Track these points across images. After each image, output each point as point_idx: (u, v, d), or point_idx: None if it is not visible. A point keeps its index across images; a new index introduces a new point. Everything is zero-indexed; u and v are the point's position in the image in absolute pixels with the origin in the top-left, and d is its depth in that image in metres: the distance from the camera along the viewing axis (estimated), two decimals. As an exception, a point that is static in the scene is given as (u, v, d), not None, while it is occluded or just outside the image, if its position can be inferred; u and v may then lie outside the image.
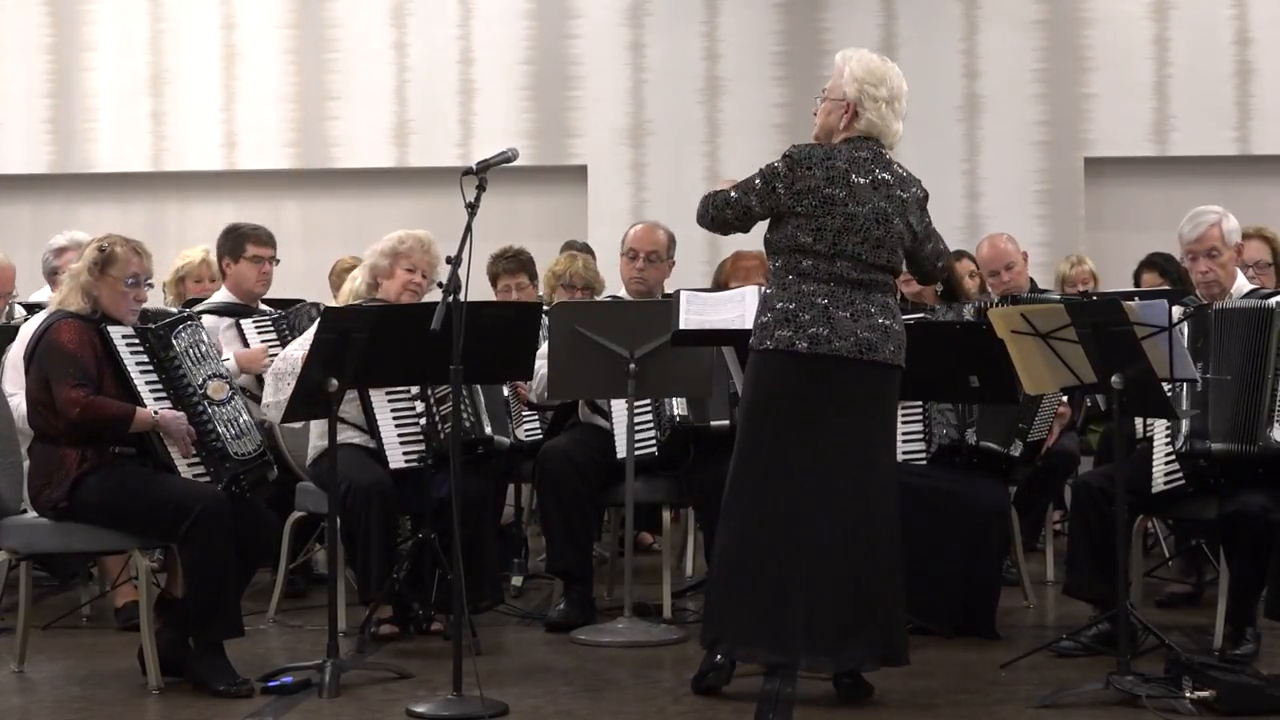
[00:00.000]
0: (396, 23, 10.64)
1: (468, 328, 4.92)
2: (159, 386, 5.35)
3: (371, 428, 6.01)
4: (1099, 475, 5.78)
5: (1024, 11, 10.39)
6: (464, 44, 10.60)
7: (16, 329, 6.12)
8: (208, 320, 6.37)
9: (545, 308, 6.48)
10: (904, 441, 5.94)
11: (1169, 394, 5.24)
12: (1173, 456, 5.58)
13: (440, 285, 4.96)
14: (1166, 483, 5.59)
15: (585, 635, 5.98)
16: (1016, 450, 6.26)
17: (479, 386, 6.18)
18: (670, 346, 5.90)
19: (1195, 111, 10.27)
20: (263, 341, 6.83)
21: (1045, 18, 10.39)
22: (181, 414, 5.31)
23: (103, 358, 5.29)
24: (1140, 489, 5.57)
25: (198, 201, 10.64)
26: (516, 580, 7.00)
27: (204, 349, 5.48)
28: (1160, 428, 5.64)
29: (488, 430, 6.21)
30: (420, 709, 4.87)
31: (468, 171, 5.04)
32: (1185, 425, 5.54)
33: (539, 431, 6.96)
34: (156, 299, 7.58)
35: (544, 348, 6.25)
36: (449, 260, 4.92)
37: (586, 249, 8.56)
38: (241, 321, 6.85)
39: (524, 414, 6.87)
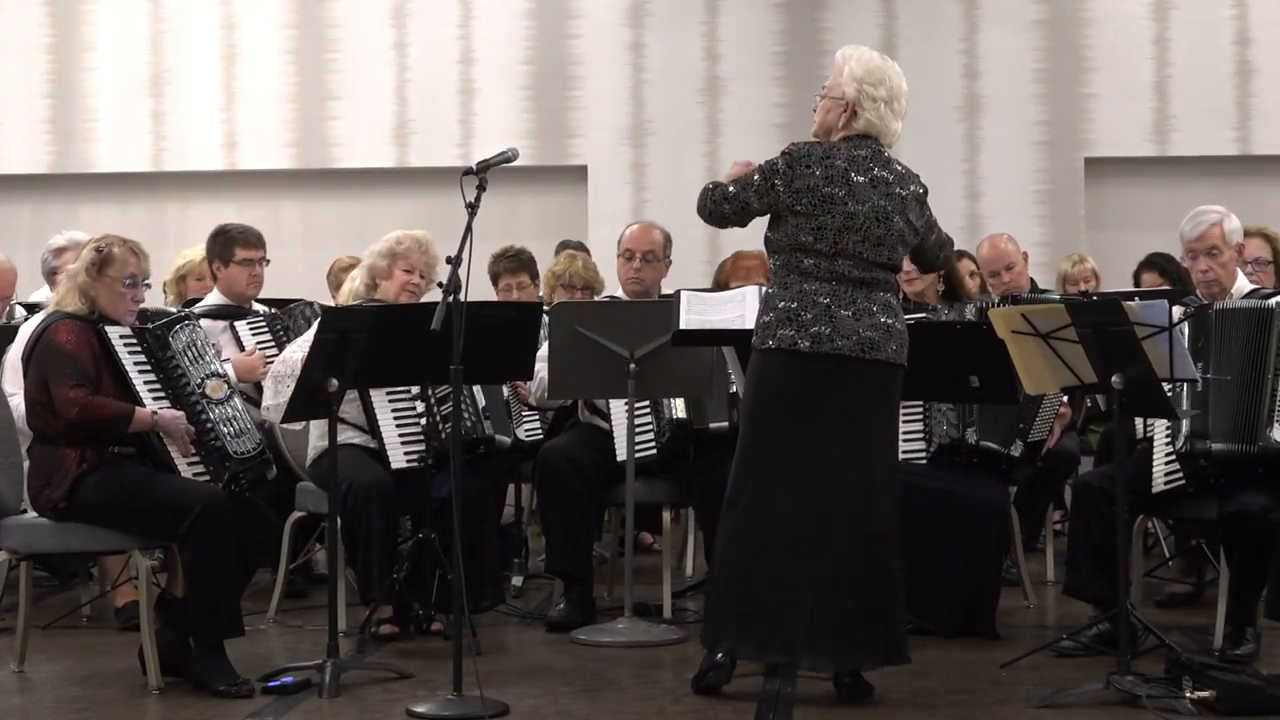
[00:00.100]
0: (396, 23, 10.64)
1: (468, 328, 4.92)
2: (157, 386, 5.36)
3: (372, 428, 6.01)
4: (1099, 475, 5.78)
5: (1024, 11, 10.39)
6: (464, 44, 10.60)
7: (16, 329, 6.12)
8: (202, 324, 6.35)
9: (545, 308, 6.48)
10: (904, 441, 5.93)
11: (1169, 394, 5.24)
12: (1173, 456, 5.58)
13: (440, 285, 4.96)
14: (1167, 483, 5.59)
15: (585, 635, 5.98)
16: (1017, 450, 6.26)
17: (478, 386, 6.18)
18: (670, 346, 5.90)
19: (1195, 111, 10.27)
20: (258, 343, 6.82)
21: (1045, 18, 10.39)
22: (180, 413, 5.31)
23: (101, 358, 5.29)
24: (1140, 489, 5.57)
25: (198, 201, 10.64)
26: (516, 580, 7.00)
27: (202, 348, 5.49)
28: (1160, 428, 5.64)
29: (488, 430, 6.21)
30: (420, 709, 4.87)
31: (468, 171, 5.04)
32: (1185, 425, 5.54)
33: (539, 431, 6.96)
34: (157, 298, 7.60)
35: (544, 349, 6.25)
36: (449, 260, 4.92)
37: (581, 247, 8.56)
38: (236, 323, 6.85)
39: (524, 414, 6.86)
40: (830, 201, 4.94)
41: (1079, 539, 5.72)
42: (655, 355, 6.04)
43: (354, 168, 10.68)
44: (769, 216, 5.08)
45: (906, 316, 5.22)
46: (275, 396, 5.85)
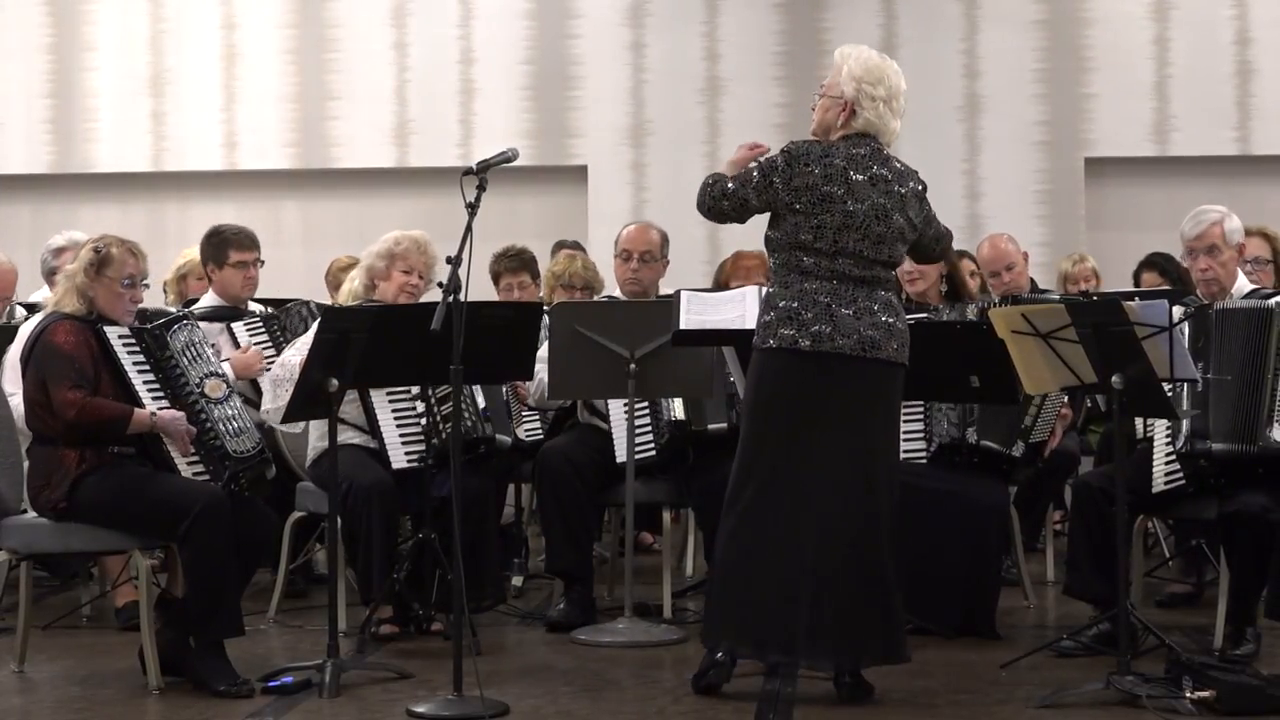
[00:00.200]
0: (397, 23, 10.64)
1: (468, 328, 4.92)
2: (156, 386, 5.35)
3: (373, 428, 6.01)
4: (1099, 475, 5.78)
5: (1024, 11, 10.39)
6: (464, 44, 10.60)
7: (16, 329, 6.12)
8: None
9: (545, 308, 6.48)
10: (904, 440, 5.92)
11: (1169, 394, 5.24)
12: (1173, 456, 5.57)
13: (440, 285, 4.96)
14: (1167, 483, 5.59)
15: (585, 635, 5.98)
16: (1018, 451, 6.26)
17: (478, 386, 6.18)
18: (671, 346, 5.89)
19: (1196, 111, 10.27)
20: (255, 344, 6.81)
21: (1045, 18, 10.40)
22: (180, 413, 5.31)
23: (100, 358, 5.29)
24: (1140, 489, 5.57)
25: (198, 201, 10.63)
26: (516, 580, 7.00)
27: (200, 348, 5.49)
28: (1160, 428, 5.64)
29: (488, 430, 6.21)
30: (420, 709, 4.87)
31: (468, 171, 5.04)
32: (1185, 425, 5.54)
33: (539, 431, 6.95)
34: (158, 298, 7.60)
35: (543, 349, 6.24)
36: (449, 260, 4.92)
37: (577, 246, 8.56)
38: (232, 325, 6.84)
39: (524, 414, 6.86)
40: (829, 200, 4.94)
41: (1079, 539, 5.71)
42: (655, 355, 6.03)
43: (354, 168, 10.68)
44: (769, 215, 5.08)
45: (908, 316, 5.23)
46: (274, 400, 5.84)
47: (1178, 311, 5.42)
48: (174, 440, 5.29)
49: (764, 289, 5.37)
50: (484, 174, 5.04)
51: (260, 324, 6.89)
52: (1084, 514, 5.69)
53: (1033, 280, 7.94)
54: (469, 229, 4.93)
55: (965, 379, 5.88)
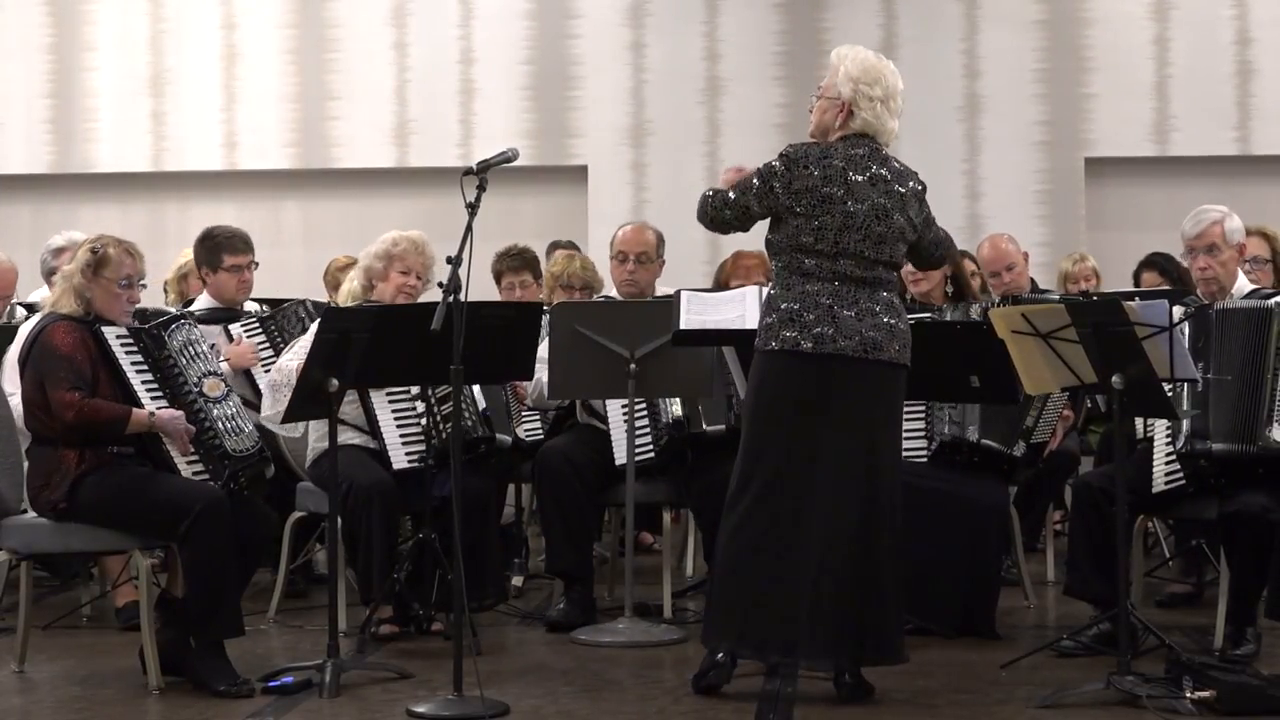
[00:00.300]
0: (397, 23, 10.64)
1: (468, 328, 4.92)
2: (155, 386, 5.36)
3: (373, 429, 6.01)
4: (1099, 475, 5.78)
5: (1024, 11, 10.39)
6: (464, 44, 10.60)
7: (16, 329, 6.12)
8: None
9: (545, 308, 6.48)
10: (905, 439, 5.92)
11: (1169, 394, 5.24)
12: (1173, 456, 5.57)
13: (440, 285, 4.96)
14: (1167, 483, 5.59)
15: (585, 635, 5.98)
16: (1019, 451, 6.26)
17: (478, 386, 6.18)
18: (671, 347, 5.89)
19: (1196, 111, 10.27)
20: (253, 344, 6.81)
21: (1045, 18, 10.40)
22: (179, 413, 5.31)
23: (98, 359, 5.29)
24: (1141, 489, 5.57)
25: (198, 202, 10.63)
26: (516, 580, 7.00)
27: (198, 347, 5.49)
28: (1161, 428, 5.64)
29: (488, 430, 6.21)
30: (421, 709, 4.87)
31: (468, 171, 5.04)
32: (1186, 425, 5.54)
33: (539, 431, 6.95)
34: (158, 298, 7.60)
35: (542, 349, 6.24)
36: (449, 260, 4.92)
37: (572, 246, 8.55)
38: (230, 326, 6.83)
39: (524, 414, 6.86)
40: (829, 201, 4.94)
41: (1079, 539, 5.71)
42: (655, 355, 6.03)
43: (354, 168, 10.68)
44: (769, 219, 5.08)
45: (910, 316, 5.23)
46: (273, 405, 5.83)
47: (1178, 311, 5.42)
48: (173, 439, 5.29)
49: (764, 289, 5.36)
50: (484, 174, 5.04)
51: (257, 324, 6.89)
52: (1084, 514, 5.69)
53: (1033, 280, 7.93)
54: (469, 229, 4.93)
55: (965, 379, 5.88)
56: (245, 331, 6.83)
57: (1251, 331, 5.54)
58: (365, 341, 5.30)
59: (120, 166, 10.76)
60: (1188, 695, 4.76)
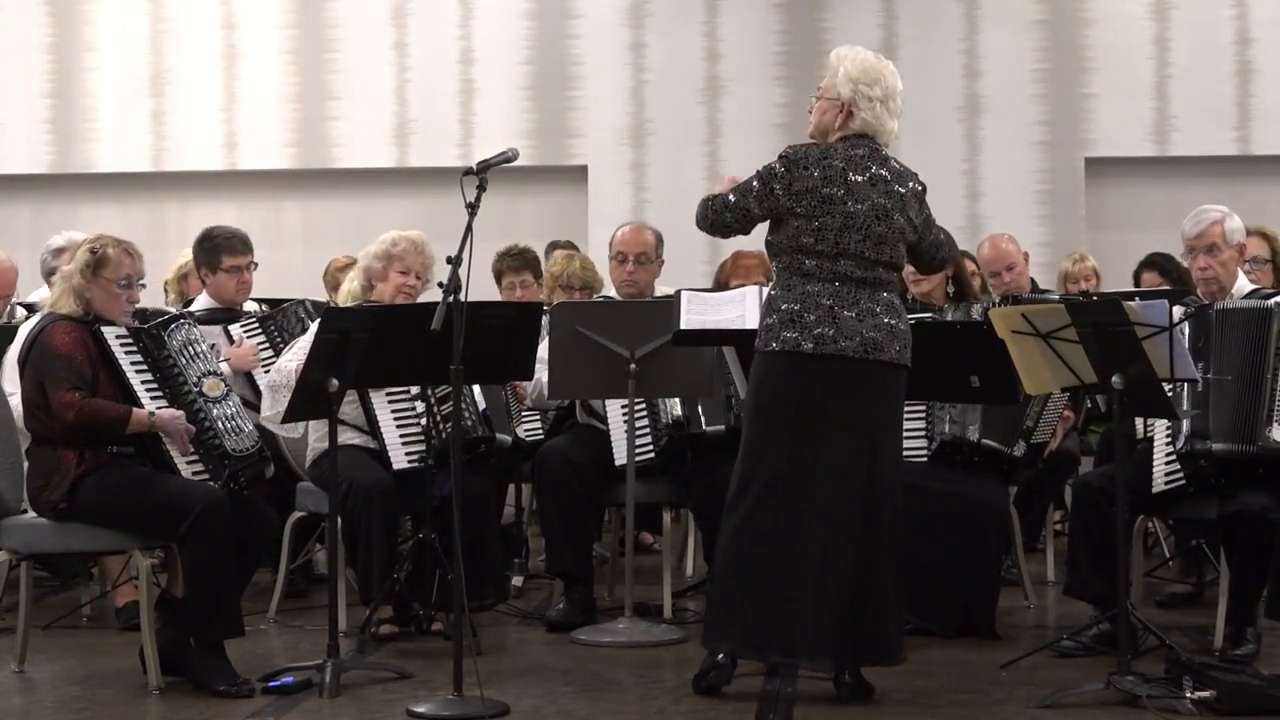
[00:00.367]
0: (397, 23, 10.64)
1: (468, 328, 4.92)
2: (154, 386, 5.35)
3: (373, 429, 6.01)
4: (1099, 475, 5.78)
5: (1024, 11, 10.39)
6: (464, 44, 10.61)
7: (16, 329, 6.12)
8: (195, 330, 6.35)
9: (545, 308, 6.48)
10: (905, 439, 5.92)
11: (1169, 394, 5.24)
12: (1173, 456, 5.57)
13: (440, 285, 4.96)
14: (1167, 483, 5.59)
15: (585, 635, 5.97)
16: (1020, 451, 6.25)
17: (478, 386, 6.18)
18: (671, 347, 5.89)
19: (1196, 111, 10.28)
20: (253, 344, 6.80)
21: (1045, 18, 10.40)
22: (179, 412, 5.31)
23: (97, 359, 5.29)
24: (1141, 489, 5.57)
25: (198, 201, 10.63)
26: (516, 580, 7.00)
27: (198, 347, 5.49)
28: (1161, 428, 5.64)
29: (488, 430, 6.21)
30: (421, 709, 4.87)
31: (468, 171, 5.04)
32: (1186, 425, 5.54)
33: (539, 431, 6.95)
34: (159, 298, 7.60)
35: (542, 349, 6.23)
36: (449, 260, 4.92)
37: (570, 246, 8.54)
38: (229, 327, 6.83)
39: (524, 414, 6.86)
40: (830, 202, 4.94)
41: (1079, 539, 5.71)
42: (656, 355, 6.03)
43: (354, 168, 10.69)
44: (769, 220, 5.08)
45: (911, 316, 5.23)
46: (273, 406, 5.83)
47: (1178, 311, 5.42)
48: (173, 439, 5.29)
49: (764, 289, 5.36)
50: (484, 174, 5.04)
51: (256, 325, 6.88)
52: (1084, 514, 5.69)
53: (1033, 280, 7.94)
54: (469, 229, 4.93)
55: (965, 379, 5.88)
56: (245, 332, 6.83)
57: (1251, 331, 5.54)
58: (365, 341, 5.30)
59: (120, 166, 10.77)
60: (1188, 695, 4.76)
